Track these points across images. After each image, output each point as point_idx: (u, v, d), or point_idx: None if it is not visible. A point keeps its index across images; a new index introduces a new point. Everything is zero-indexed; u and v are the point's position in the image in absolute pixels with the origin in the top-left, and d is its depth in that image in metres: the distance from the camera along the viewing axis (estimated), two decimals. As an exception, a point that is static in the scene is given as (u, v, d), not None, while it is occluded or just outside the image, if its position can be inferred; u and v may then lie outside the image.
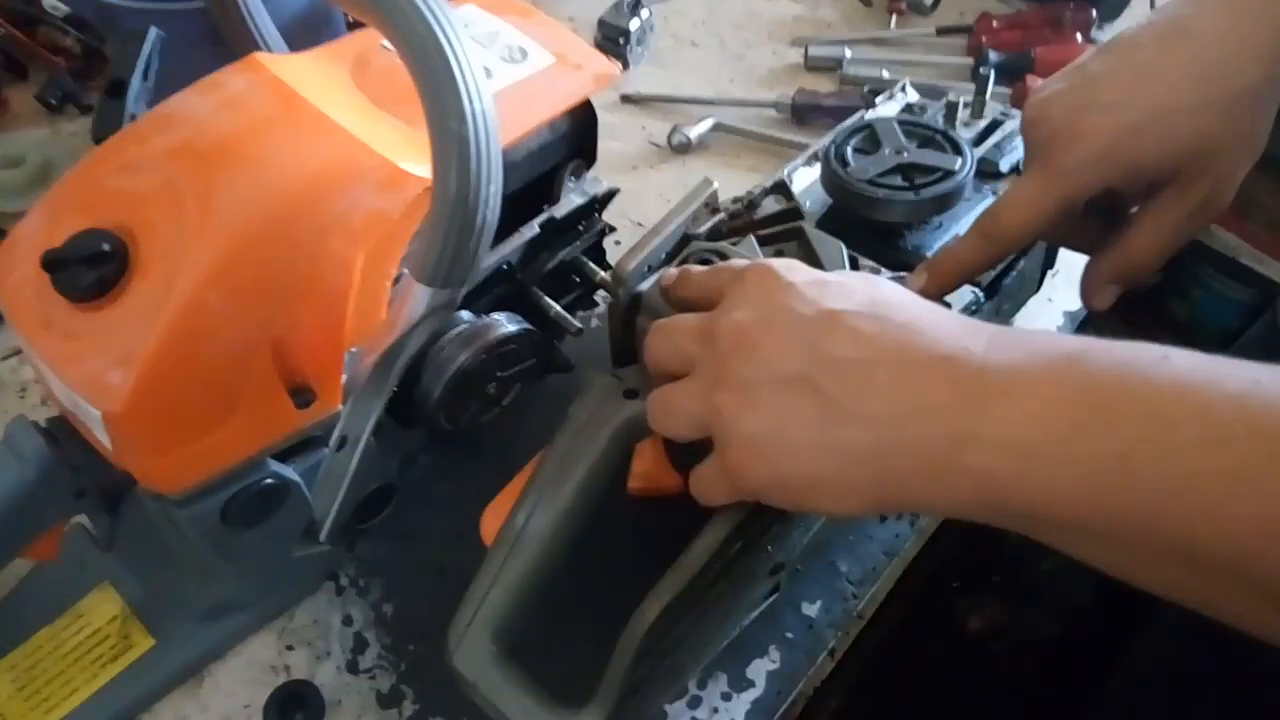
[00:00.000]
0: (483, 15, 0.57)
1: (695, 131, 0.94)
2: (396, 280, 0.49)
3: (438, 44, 0.40)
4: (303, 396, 0.48)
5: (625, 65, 1.02)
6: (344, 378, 0.50)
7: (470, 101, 0.40)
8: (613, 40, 1.00)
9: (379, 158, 0.46)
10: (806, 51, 1.04)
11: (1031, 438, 0.35)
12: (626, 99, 0.99)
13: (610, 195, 0.67)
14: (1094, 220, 0.53)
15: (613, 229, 0.70)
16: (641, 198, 0.89)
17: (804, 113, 0.96)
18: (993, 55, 1.03)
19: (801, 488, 0.40)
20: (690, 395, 0.44)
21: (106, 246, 0.43)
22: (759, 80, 1.05)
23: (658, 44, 1.07)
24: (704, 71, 1.05)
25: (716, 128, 0.96)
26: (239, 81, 0.48)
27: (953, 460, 0.36)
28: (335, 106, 0.48)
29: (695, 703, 0.59)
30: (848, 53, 1.03)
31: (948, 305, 0.54)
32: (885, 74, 1.00)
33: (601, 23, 1.01)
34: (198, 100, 0.47)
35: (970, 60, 1.04)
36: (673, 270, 0.51)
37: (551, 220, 0.61)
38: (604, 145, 0.97)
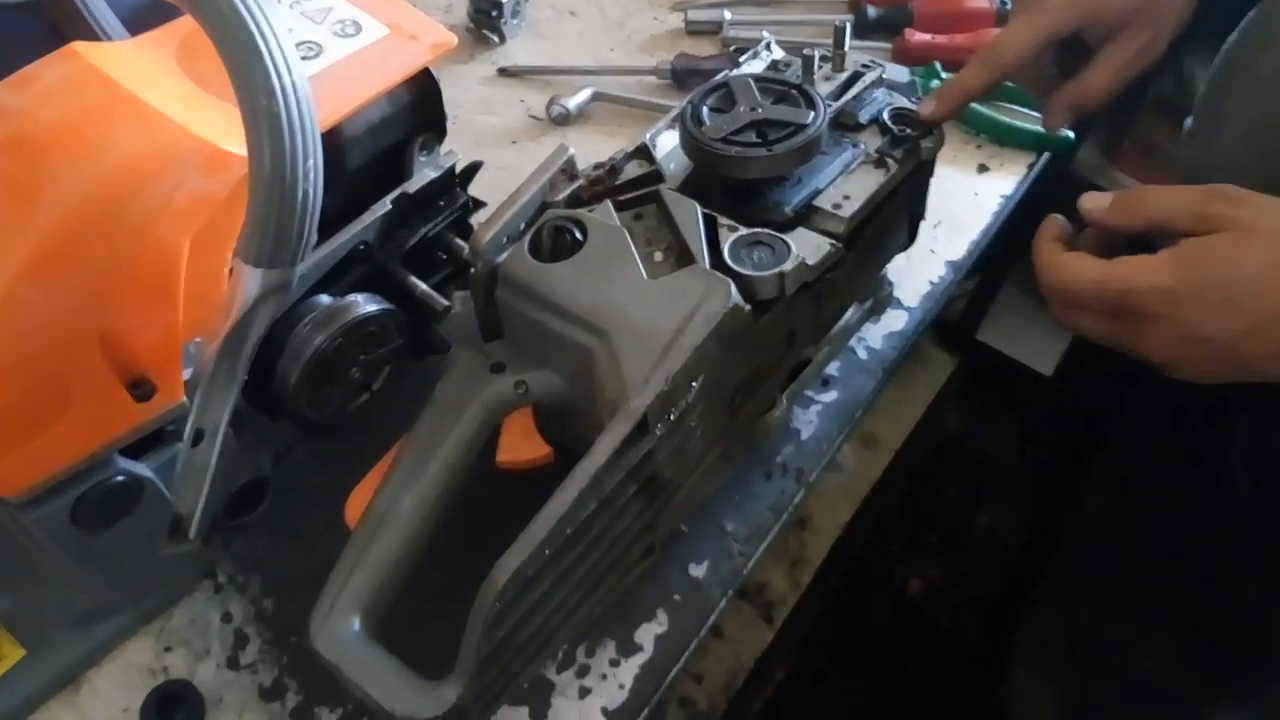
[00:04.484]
0: (317, -9, 0.56)
1: (574, 102, 0.93)
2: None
3: (240, 19, 0.39)
4: (141, 389, 0.47)
5: (501, 38, 1.01)
6: (188, 369, 0.49)
7: (279, 76, 0.40)
8: (485, 13, 0.98)
9: (199, 140, 0.45)
10: (686, 15, 1.04)
11: None
12: (504, 72, 0.98)
13: (473, 169, 0.67)
14: (1057, 65, 0.66)
15: (482, 204, 0.68)
16: (521, 172, 0.86)
17: (684, 77, 0.96)
18: (871, 10, 1.03)
19: None
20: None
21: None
22: (640, 47, 1.04)
23: (536, 15, 1.06)
24: (584, 41, 1.04)
25: (596, 97, 0.95)
26: (53, 73, 0.46)
27: None
28: (155, 92, 0.47)
29: (584, 671, 0.59)
30: (728, 15, 1.03)
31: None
32: (766, 35, 1.00)
33: (473, -5, 0.99)
34: (8, 95, 0.46)
35: (851, 17, 1.05)
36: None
37: (405, 196, 0.60)
38: (482, 120, 0.97)
